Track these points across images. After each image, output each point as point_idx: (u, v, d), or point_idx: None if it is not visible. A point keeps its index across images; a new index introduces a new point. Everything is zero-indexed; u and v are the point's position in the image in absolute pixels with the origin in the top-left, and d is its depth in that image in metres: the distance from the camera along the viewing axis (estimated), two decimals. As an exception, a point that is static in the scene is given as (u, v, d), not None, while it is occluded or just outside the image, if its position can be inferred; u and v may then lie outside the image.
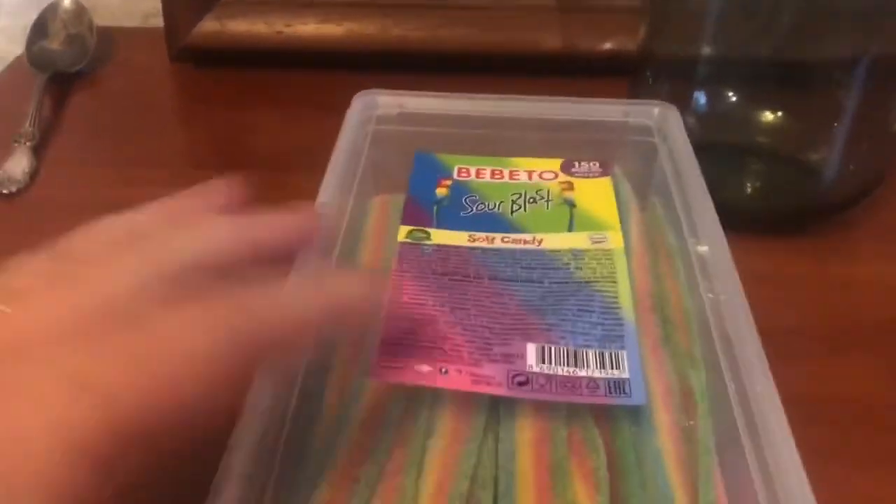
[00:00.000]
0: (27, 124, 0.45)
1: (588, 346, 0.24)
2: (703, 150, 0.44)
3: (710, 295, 0.26)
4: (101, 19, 0.55)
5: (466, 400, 0.24)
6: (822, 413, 0.31)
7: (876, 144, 0.40)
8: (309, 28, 0.52)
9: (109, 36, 0.56)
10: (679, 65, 0.43)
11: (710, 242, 0.27)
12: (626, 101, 0.36)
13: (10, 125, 0.46)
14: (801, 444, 0.28)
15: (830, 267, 0.38)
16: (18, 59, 0.53)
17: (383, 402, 0.24)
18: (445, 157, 0.34)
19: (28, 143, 0.44)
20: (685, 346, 0.26)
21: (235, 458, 0.19)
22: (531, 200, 0.31)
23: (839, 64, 0.38)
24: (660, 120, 0.35)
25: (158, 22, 0.54)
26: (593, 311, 0.26)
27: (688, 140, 0.33)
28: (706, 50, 0.42)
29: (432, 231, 0.30)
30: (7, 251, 0.42)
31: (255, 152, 0.46)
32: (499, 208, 0.31)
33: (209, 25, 0.51)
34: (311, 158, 0.32)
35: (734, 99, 0.44)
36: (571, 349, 0.24)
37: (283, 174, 0.39)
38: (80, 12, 0.54)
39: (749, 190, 0.42)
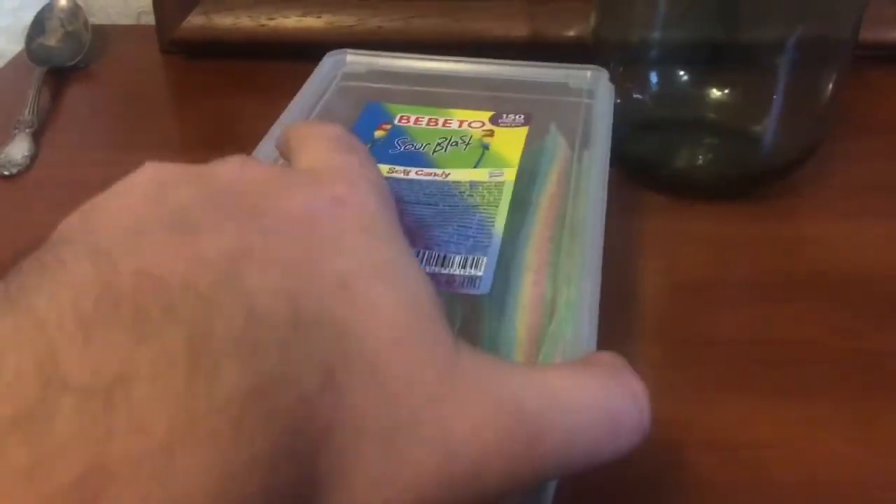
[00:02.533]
0: (26, 112, 0.49)
1: (457, 253, 0.30)
2: (658, 126, 0.48)
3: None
4: (96, 18, 0.59)
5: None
6: (765, 353, 0.36)
7: (810, 115, 0.44)
8: (291, 21, 0.55)
9: (104, 33, 0.60)
10: (629, 48, 0.46)
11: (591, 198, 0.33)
12: (567, 65, 0.41)
13: (11, 114, 0.49)
14: (744, 380, 0.32)
15: (773, 227, 0.42)
16: (18, 55, 0.57)
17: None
18: (392, 107, 0.39)
19: (28, 130, 0.48)
20: (567, 268, 0.31)
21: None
22: (453, 143, 0.36)
23: (775, 44, 0.42)
24: (592, 82, 0.40)
25: (150, 20, 0.58)
26: (470, 228, 0.31)
27: (610, 100, 0.39)
28: (655, 34, 0.46)
29: None
30: (9, 227, 0.46)
31: (240, 136, 0.50)
32: (423, 149, 0.36)
33: (197, 20, 0.55)
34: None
35: (684, 78, 0.47)
36: (442, 254, 0.30)
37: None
38: (75, 11, 0.58)
39: (700, 161, 0.46)
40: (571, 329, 0.27)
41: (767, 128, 0.45)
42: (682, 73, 0.48)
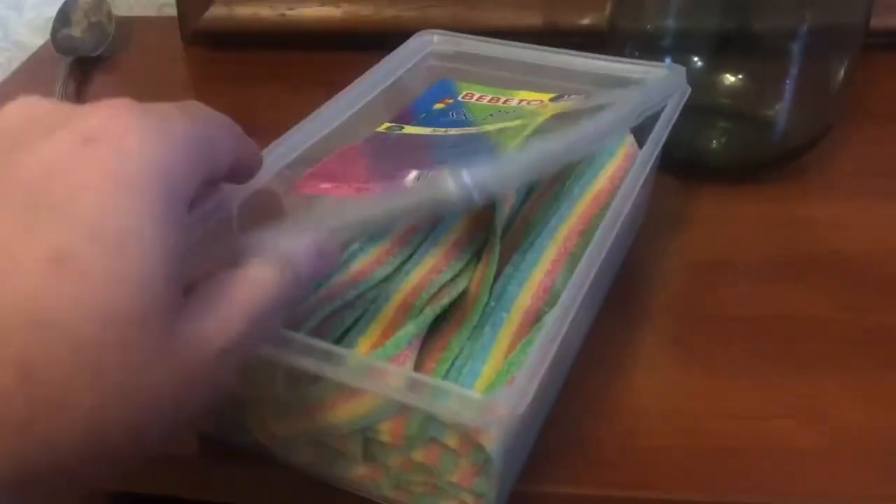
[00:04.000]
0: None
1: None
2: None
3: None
4: (119, 10, 0.60)
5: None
6: (776, 329, 0.37)
7: (820, 100, 0.45)
8: (310, 11, 0.57)
9: (127, 24, 0.61)
10: (644, 36, 0.47)
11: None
12: (646, 62, 0.42)
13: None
14: (757, 354, 0.33)
15: (784, 208, 0.43)
16: (44, 46, 0.59)
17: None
18: (461, 84, 0.40)
19: (56, 118, 0.49)
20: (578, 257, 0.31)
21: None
22: (503, 113, 0.36)
23: (787, 31, 0.43)
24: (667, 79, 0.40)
25: (172, 11, 0.59)
26: (478, 150, 0.32)
27: (680, 101, 0.39)
28: (669, 21, 0.47)
29: (407, 127, 0.36)
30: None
31: (260, 125, 0.51)
32: (475, 118, 0.37)
33: (218, 11, 0.57)
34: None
35: (698, 65, 0.48)
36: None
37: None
38: (99, 2, 0.60)
39: (714, 145, 0.48)
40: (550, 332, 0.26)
41: (779, 113, 0.46)
42: (695, 59, 0.49)
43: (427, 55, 0.41)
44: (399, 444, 0.26)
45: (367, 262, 0.32)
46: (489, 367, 0.29)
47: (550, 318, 0.26)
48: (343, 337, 0.30)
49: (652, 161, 0.35)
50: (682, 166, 0.46)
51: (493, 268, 0.32)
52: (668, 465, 0.31)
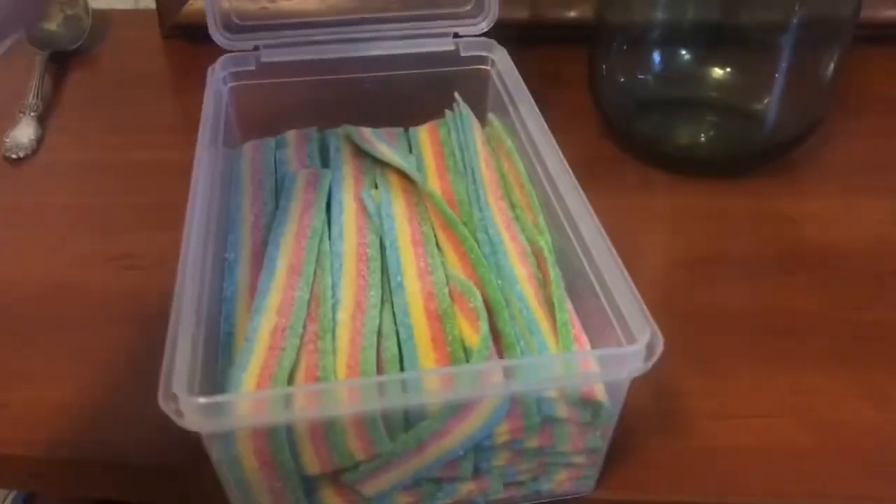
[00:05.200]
0: (30, 97, 0.49)
1: None
2: (661, 104, 0.49)
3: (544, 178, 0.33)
4: (96, 3, 0.59)
5: (363, 281, 0.31)
6: (768, 325, 0.37)
7: (811, 94, 0.45)
8: (291, 4, 0.55)
9: (104, 17, 0.60)
10: (632, 29, 0.47)
11: (541, 142, 0.34)
12: (458, 38, 0.43)
13: (16, 99, 0.50)
14: (749, 351, 0.33)
15: (774, 203, 0.43)
16: (19, 39, 0.57)
17: (292, 284, 0.30)
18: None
19: (32, 114, 0.49)
20: (531, 219, 0.33)
21: (178, 340, 0.25)
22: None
23: (777, 24, 0.43)
24: (488, 51, 0.42)
25: (149, 4, 0.57)
26: None
27: (513, 66, 0.40)
28: (657, 14, 0.46)
29: None
30: (17, 208, 0.46)
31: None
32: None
33: (198, 4, 0.55)
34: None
35: (686, 58, 0.47)
36: None
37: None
38: (75, -5, 0.57)
39: (703, 139, 0.47)
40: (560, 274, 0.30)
41: (769, 106, 0.46)
42: (684, 52, 0.48)
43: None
44: (517, 438, 0.26)
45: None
46: (548, 336, 0.29)
47: (552, 272, 0.28)
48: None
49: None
50: (672, 161, 0.46)
51: (478, 257, 0.32)
52: (659, 465, 0.30)
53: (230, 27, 0.42)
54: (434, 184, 0.37)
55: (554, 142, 0.35)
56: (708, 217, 0.43)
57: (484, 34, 0.42)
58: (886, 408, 0.32)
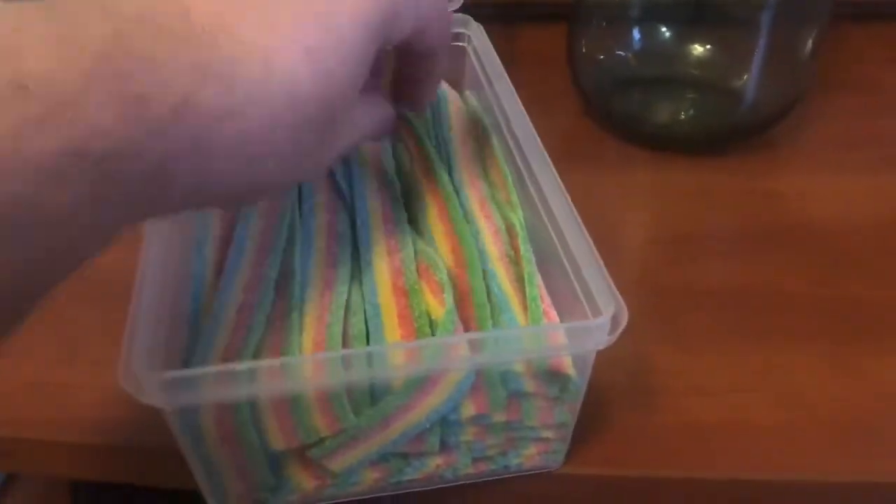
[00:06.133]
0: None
1: None
2: (641, 82, 0.48)
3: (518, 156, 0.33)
4: None
5: (332, 258, 0.30)
6: (746, 302, 0.37)
7: (790, 71, 0.45)
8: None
9: None
10: (612, 5, 0.46)
11: (515, 118, 0.34)
12: None
13: None
14: (727, 329, 0.33)
15: (753, 180, 0.43)
16: None
17: (261, 261, 0.30)
18: None
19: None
20: (504, 196, 0.33)
21: (140, 317, 0.25)
22: None
23: (755, 1, 0.42)
24: (463, 27, 0.42)
25: None
26: None
27: (489, 42, 0.40)
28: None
29: None
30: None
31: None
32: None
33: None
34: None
35: (666, 35, 0.47)
36: None
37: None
38: None
39: (682, 116, 0.47)
40: (531, 249, 0.30)
41: (748, 83, 0.45)
42: (664, 29, 0.48)
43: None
44: (484, 413, 0.26)
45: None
46: (518, 313, 0.28)
47: (523, 248, 0.29)
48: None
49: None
50: (651, 138, 0.46)
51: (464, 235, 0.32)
52: (629, 440, 0.30)
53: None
54: (407, 159, 0.37)
55: (527, 118, 0.34)
56: (687, 194, 0.42)
57: (461, 10, 0.42)
58: (860, 384, 0.32)
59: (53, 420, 0.31)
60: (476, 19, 0.43)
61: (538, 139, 0.33)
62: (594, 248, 0.27)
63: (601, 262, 0.26)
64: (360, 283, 0.30)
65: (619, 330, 0.24)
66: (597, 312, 0.26)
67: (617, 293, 0.25)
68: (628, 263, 0.38)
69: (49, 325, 0.35)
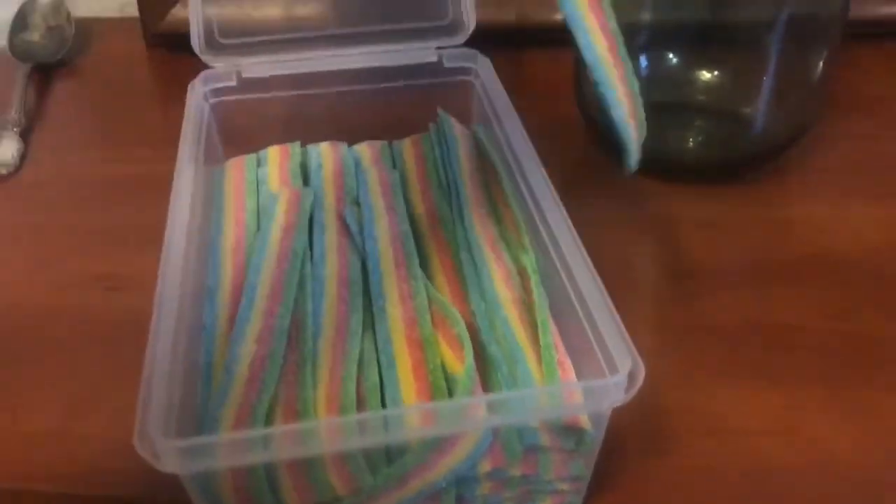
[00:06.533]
0: (13, 112, 0.49)
1: None
2: (649, 109, 0.48)
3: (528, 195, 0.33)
4: (79, 10, 0.58)
5: (344, 306, 0.30)
6: (757, 338, 0.36)
7: (800, 96, 0.45)
8: (276, 10, 0.54)
9: (87, 26, 0.59)
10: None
11: (524, 158, 0.34)
12: (442, 48, 0.43)
13: (-1, 113, 0.49)
14: (737, 366, 0.33)
15: (764, 209, 0.43)
16: (1, 51, 0.56)
17: (273, 311, 0.29)
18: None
19: (15, 129, 0.48)
20: (516, 238, 0.33)
21: (154, 377, 0.24)
22: None
23: (764, 23, 0.42)
24: (472, 62, 0.42)
25: (134, 11, 0.57)
26: None
27: (496, 77, 0.40)
28: (643, 16, 0.45)
29: None
30: (1, 227, 0.46)
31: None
32: None
33: (181, 12, 0.54)
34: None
35: (674, 61, 0.47)
36: None
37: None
38: (57, 5, 0.58)
39: (691, 144, 0.47)
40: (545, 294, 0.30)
41: (758, 109, 0.45)
42: (671, 55, 0.48)
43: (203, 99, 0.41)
44: (500, 468, 0.26)
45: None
46: (532, 362, 0.28)
47: (536, 293, 0.28)
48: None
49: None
50: (660, 167, 0.45)
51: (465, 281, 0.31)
52: (644, 486, 0.30)
53: (213, 44, 0.41)
54: (417, 200, 0.36)
55: (536, 157, 0.34)
56: (698, 225, 0.42)
57: (467, 43, 0.42)
58: (875, 425, 0.32)
59: (62, 473, 0.31)
60: (484, 45, 0.43)
61: (548, 179, 0.33)
62: (608, 299, 0.27)
63: (616, 314, 0.26)
64: (374, 332, 0.30)
65: (636, 388, 0.24)
66: (611, 364, 0.25)
67: (633, 348, 0.25)
68: (640, 300, 0.38)
69: (58, 373, 0.35)
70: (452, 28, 0.42)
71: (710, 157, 0.46)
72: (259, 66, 0.40)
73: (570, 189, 0.41)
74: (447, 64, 0.41)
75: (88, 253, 0.41)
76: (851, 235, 0.41)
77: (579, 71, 0.48)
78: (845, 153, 0.47)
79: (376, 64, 0.41)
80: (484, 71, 0.41)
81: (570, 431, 0.26)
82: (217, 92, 0.41)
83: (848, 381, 0.34)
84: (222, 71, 0.41)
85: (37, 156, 0.49)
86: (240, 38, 0.41)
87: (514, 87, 0.54)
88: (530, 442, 0.26)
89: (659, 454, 0.31)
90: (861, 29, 0.52)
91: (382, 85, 0.41)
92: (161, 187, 0.35)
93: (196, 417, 0.27)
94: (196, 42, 0.41)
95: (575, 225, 0.32)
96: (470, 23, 0.42)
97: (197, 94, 0.40)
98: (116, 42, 0.60)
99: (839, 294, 0.38)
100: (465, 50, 0.41)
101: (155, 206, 0.35)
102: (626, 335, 0.25)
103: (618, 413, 0.28)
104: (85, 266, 0.40)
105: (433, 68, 0.41)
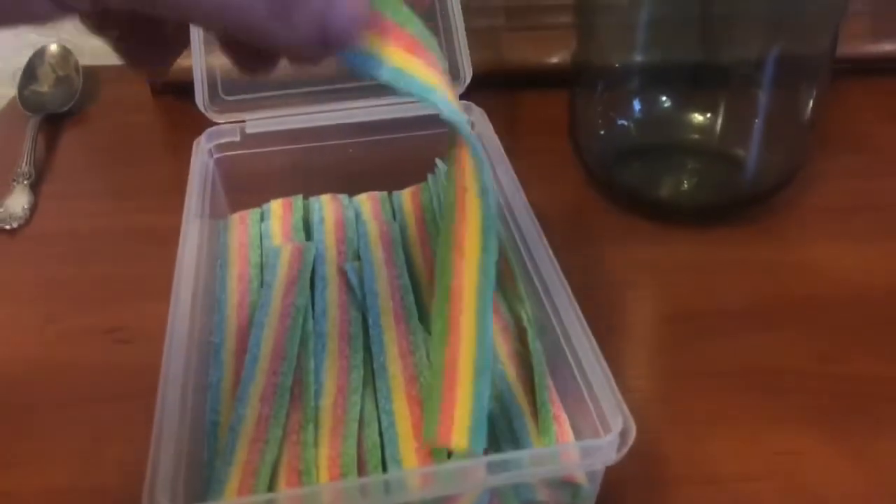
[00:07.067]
0: (23, 164, 0.50)
1: None
2: (643, 152, 0.49)
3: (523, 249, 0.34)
4: (86, 59, 0.59)
5: (345, 362, 0.31)
6: (750, 383, 0.37)
7: (791, 136, 0.45)
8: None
9: (94, 75, 0.60)
10: (611, 74, 0.47)
11: (517, 208, 0.35)
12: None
13: (8, 164, 0.51)
14: (732, 412, 0.33)
15: (756, 251, 0.43)
16: (11, 102, 0.58)
17: (276, 369, 0.30)
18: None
19: (26, 182, 0.49)
20: (512, 289, 0.34)
21: (163, 438, 0.25)
22: None
23: (754, 64, 0.43)
24: (467, 114, 0.43)
25: (139, 59, 0.58)
26: None
27: (491, 127, 0.41)
28: (635, 59, 0.46)
29: None
30: (12, 280, 0.47)
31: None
32: None
33: (188, 61, 0.55)
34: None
35: (666, 104, 0.48)
36: None
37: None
38: (66, 55, 0.59)
39: (684, 186, 0.48)
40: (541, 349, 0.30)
41: (750, 150, 0.46)
42: (664, 98, 0.49)
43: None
44: None
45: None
46: (528, 417, 0.29)
47: (533, 347, 0.30)
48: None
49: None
50: (653, 209, 0.46)
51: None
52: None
53: (216, 101, 0.43)
54: (416, 251, 0.37)
55: (529, 208, 0.35)
56: (691, 268, 0.43)
57: (464, 95, 0.43)
58: (868, 470, 0.33)
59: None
60: (481, 87, 0.44)
61: (541, 232, 0.34)
62: (601, 356, 0.28)
63: (608, 372, 0.27)
64: (374, 389, 0.30)
65: (628, 447, 0.25)
66: (604, 421, 0.26)
67: (625, 407, 0.26)
68: (634, 344, 0.39)
69: (73, 425, 0.35)
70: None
71: (704, 199, 0.47)
72: (262, 121, 0.42)
73: (567, 231, 0.42)
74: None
75: (96, 305, 0.42)
76: (842, 277, 0.42)
77: (574, 113, 0.49)
78: (836, 192, 0.47)
79: (375, 117, 0.42)
80: (479, 121, 0.42)
81: (566, 486, 0.27)
82: (221, 147, 0.42)
83: (842, 423, 0.34)
84: (226, 127, 0.42)
85: (46, 207, 0.50)
86: (242, 94, 0.42)
87: (511, 129, 0.55)
88: (527, 497, 0.27)
89: (655, 502, 0.32)
90: (847, 65, 0.53)
91: (382, 136, 0.42)
92: (166, 238, 0.36)
93: (201, 476, 0.28)
94: (200, 100, 0.42)
95: (571, 267, 0.32)
96: (466, 75, 0.43)
97: (202, 151, 0.41)
98: (122, 89, 0.61)
99: (829, 336, 0.38)
100: (462, 103, 0.42)
101: (160, 257, 0.36)
102: (618, 394, 0.26)
103: (615, 463, 0.29)
104: (92, 319, 0.41)
105: (431, 120, 0.42)
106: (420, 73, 0.24)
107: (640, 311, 0.41)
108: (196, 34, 0.43)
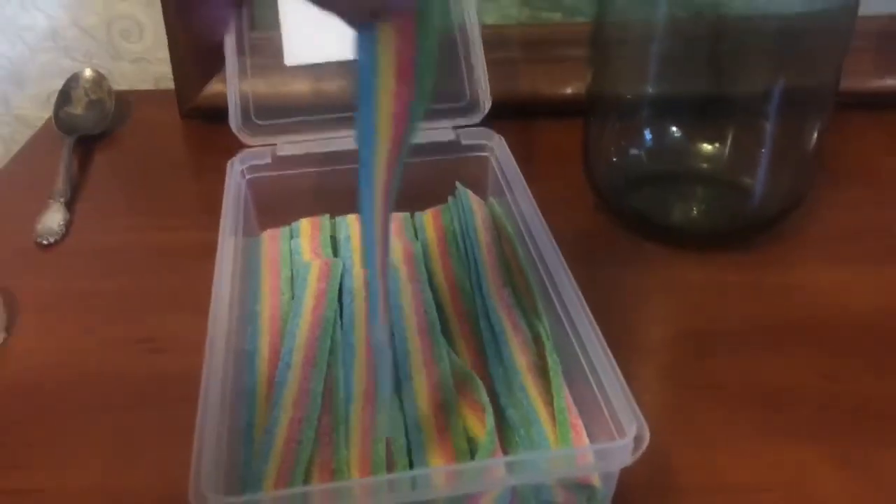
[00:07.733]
0: (59, 183, 0.52)
1: None
2: (654, 179, 0.51)
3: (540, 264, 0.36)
4: (118, 84, 0.62)
5: (372, 368, 0.33)
6: (758, 398, 0.38)
7: (797, 165, 0.48)
8: (304, 86, 0.58)
9: (126, 99, 0.63)
10: (624, 105, 0.49)
11: (535, 229, 0.37)
12: (460, 127, 0.46)
13: (45, 183, 0.53)
14: (740, 425, 0.35)
15: (763, 275, 0.45)
16: (47, 123, 0.60)
17: (307, 376, 0.32)
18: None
19: (61, 200, 0.51)
20: (530, 304, 0.36)
21: (206, 437, 0.27)
22: None
23: (760, 97, 0.45)
24: (487, 139, 0.46)
25: (169, 84, 0.61)
26: None
27: (510, 153, 0.43)
28: (648, 91, 0.49)
29: None
30: (49, 292, 0.49)
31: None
32: None
33: (216, 87, 0.58)
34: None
35: (677, 134, 0.50)
36: None
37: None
38: (99, 80, 0.61)
39: (694, 213, 0.49)
40: (558, 359, 0.32)
41: (756, 179, 0.48)
42: (674, 128, 0.51)
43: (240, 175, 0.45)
44: None
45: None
46: (547, 424, 0.30)
47: (551, 359, 0.30)
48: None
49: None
50: (664, 235, 0.48)
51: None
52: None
53: (249, 124, 0.45)
54: (437, 269, 0.39)
55: (547, 229, 0.37)
56: (700, 290, 0.45)
57: (483, 122, 0.45)
58: (867, 477, 0.34)
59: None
60: (499, 116, 0.46)
61: (558, 250, 0.36)
62: (615, 365, 0.29)
63: (622, 380, 0.29)
64: (400, 397, 0.32)
65: (642, 450, 0.27)
66: (619, 426, 0.28)
67: (639, 412, 0.27)
68: (646, 360, 0.40)
69: (108, 431, 0.37)
70: (469, 108, 0.45)
71: (712, 226, 0.49)
72: (292, 145, 0.44)
73: (580, 255, 0.44)
74: (464, 142, 0.45)
75: (129, 317, 0.44)
76: (844, 298, 0.43)
77: (587, 142, 0.51)
78: (839, 220, 0.49)
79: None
80: (498, 147, 0.44)
81: (582, 488, 0.28)
82: (253, 169, 0.44)
83: (843, 438, 0.36)
84: (258, 150, 0.44)
85: (80, 224, 0.52)
86: (274, 119, 0.45)
87: (527, 156, 0.57)
88: (545, 498, 0.28)
89: (664, 509, 0.33)
90: (852, 100, 0.55)
91: (406, 161, 0.44)
92: (196, 253, 0.38)
93: (239, 475, 0.30)
94: (234, 123, 0.45)
95: (584, 289, 0.34)
96: (485, 104, 0.45)
97: (235, 172, 0.43)
98: (153, 113, 0.64)
99: (834, 356, 0.40)
100: (482, 129, 0.45)
101: (189, 271, 0.37)
102: (633, 400, 0.28)
103: (629, 469, 0.31)
104: (126, 330, 0.43)
105: (452, 145, 0.44)
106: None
107: (649, 330, 0.42)
108: (230, 62, 0.46)
